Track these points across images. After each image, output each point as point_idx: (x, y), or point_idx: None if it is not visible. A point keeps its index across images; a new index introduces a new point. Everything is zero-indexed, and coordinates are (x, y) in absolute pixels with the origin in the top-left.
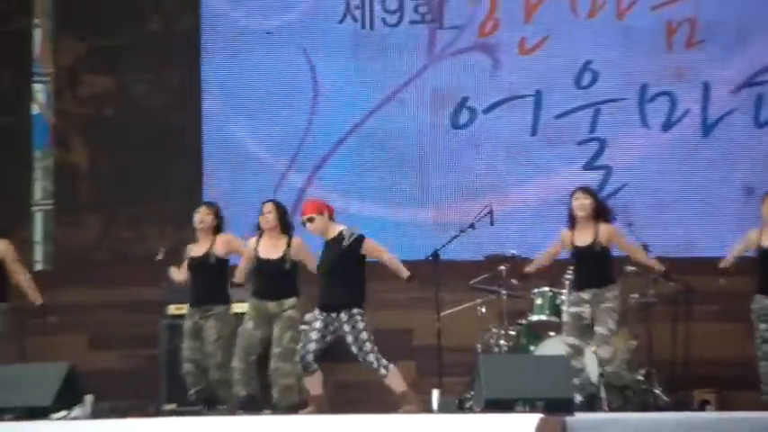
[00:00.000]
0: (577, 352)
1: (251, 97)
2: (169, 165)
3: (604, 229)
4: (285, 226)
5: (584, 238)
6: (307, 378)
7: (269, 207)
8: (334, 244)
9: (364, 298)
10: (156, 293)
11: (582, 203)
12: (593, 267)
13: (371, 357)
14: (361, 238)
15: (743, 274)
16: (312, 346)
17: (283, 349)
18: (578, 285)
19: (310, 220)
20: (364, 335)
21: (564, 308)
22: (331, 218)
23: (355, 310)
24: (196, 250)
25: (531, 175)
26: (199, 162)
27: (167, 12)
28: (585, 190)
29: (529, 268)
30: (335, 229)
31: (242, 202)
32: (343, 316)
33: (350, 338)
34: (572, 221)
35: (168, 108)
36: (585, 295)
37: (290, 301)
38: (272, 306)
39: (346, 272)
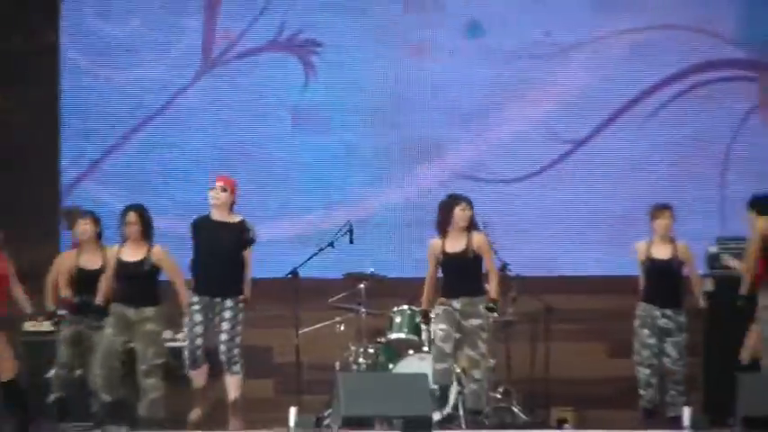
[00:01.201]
0: (447, 337)
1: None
2: (29, 182)
3: (477, 238)
4: (148, 234)
5: (456, 245)
6: (193, 372)
7: (132, 216)
8: (229, 229)
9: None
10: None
11: (466, 215)
12: (465, 275)
13: (236, 351)
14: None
15: (602, 292)
16: (199, 342)
17: (149, 366)
18: (449, 294)
19: (224, 189)
20: (239, 328)
21: (423, 326)
22: (233, 203)
23: (241, 297)
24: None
25: (390, 194)
26: (56, 179)
27: (28, 28)
28: (469, 201)
29: (427, 307)
30: (234, 216)
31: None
32: (229, 302)
33: (226, 326)
34: (444, 230)
35: (27, 125)
36: (456, 304)
37: (150, 310)
38: (131, 313)
39: (239, 261)
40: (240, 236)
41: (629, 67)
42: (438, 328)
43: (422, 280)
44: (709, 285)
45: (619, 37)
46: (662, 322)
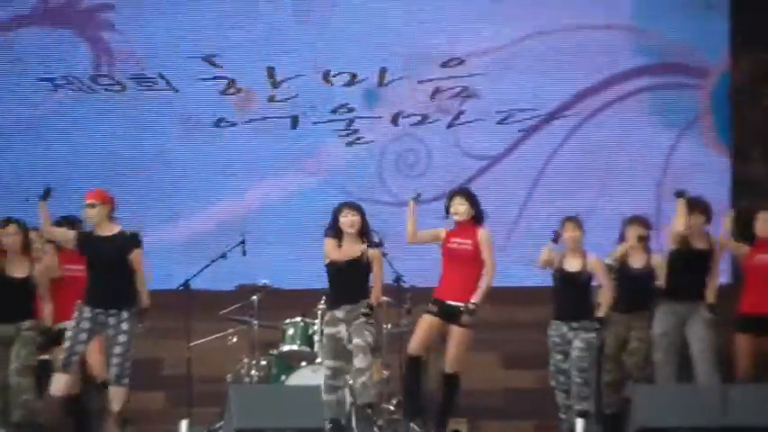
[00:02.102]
0: (337, 374)
1: None
2: None
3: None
4: (27, 246)
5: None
6: (60, 375)
7: (12, 228)
8: (110, 241)
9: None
10: None
11: (349, 220)
12: (350, 281)
13: (128, 364)
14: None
15: (496, 303)
16: (80, 348)
17: (21, 365)
18: (333, 304)
19: (91, 206)
20: (132, 341)
21: (316, 338)
22: (111, 213)
23: (134, 310)
24: None
25: (286, 202)
26: None
27: None
28: (354, 206)
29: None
30: (114, 227)
31: None
32: (124, 314)
33: (123, 338)
34: (339, 235)
35: None
36: (339, 313)
37: (27, 323)
38: (9, 330)
39: (126, 271)
40: (123, 246)
41: (555, 74)
42: (325, 365)
43: (315, 292)
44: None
45: (547, 38)
46: (569, 335)
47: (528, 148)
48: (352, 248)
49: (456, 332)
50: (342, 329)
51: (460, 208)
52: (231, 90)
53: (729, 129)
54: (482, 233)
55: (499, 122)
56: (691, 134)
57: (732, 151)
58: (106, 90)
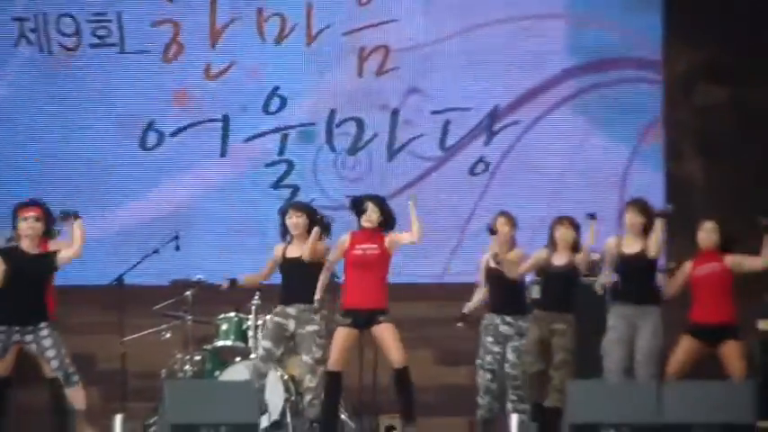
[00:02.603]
0: (268, 357)
1: None
2: None
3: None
4: None
5: (297, 251)
6: None
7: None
8: (40, 260)
9: None
10: None
11: (293, 222)
12: (301, 281)
13: (71, 369)
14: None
15: (428, 299)
16: None
17: None
18: (284, 301)
19: (37, 219)
20: (63, 347)
21: (250, 333)
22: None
23: (50, 322)
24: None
25: (218, 198)
26: None
27: None
28: (299, 207)
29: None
30: (44, 245)
31: None
32: (45, 331)
33: (52, 353)
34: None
35: None
36: (291, 310)
37: None
38: None
39: (46, 289)
40: (47, 266)
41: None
42: (261, 345)
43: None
44: (534, 293)
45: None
46: (503, 329)
47: (468, 150)
48: (298, 249)
49: (385, 330)
50: (291, 324)
51: (374, 216)
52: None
53: (662, 127)
54: (389, 237)
55: (439, 122)
56: (626, 133)
57: (665, 150)
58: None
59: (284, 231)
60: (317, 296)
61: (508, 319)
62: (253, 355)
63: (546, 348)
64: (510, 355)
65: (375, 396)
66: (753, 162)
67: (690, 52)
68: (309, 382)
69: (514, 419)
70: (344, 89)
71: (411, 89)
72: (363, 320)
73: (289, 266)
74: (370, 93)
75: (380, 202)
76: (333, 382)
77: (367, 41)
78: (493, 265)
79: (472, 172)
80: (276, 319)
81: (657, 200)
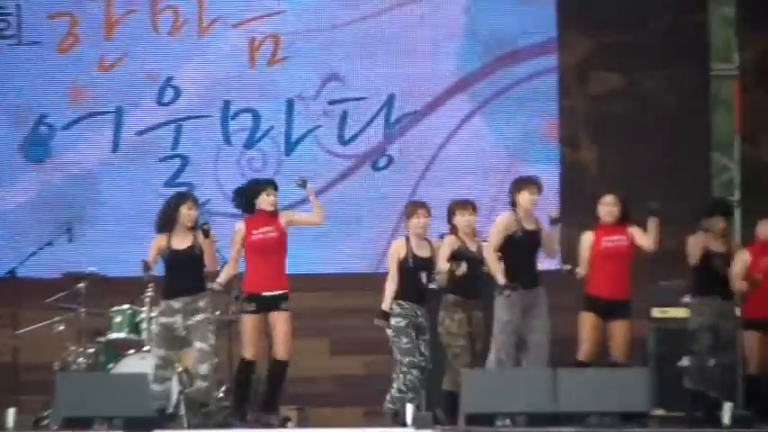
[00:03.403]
0: (167, 364)
1: None
2: None
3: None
4: None
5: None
6: None
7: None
8: None
9: None
10: None
11: (190, 214)
12: (187, 272)
13: None
14: None
15: (323, 290)
16: None
17: None
18: (169, 294)
19: None
20: None
21: (144, 325)
22: None
23: None
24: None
25: (112, 193)
26: None
27: None
28: (196, 200)
29: None
30: None
31: None
32: None
33: None
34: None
35: None
36: (176, 304)
37: None
38: None
39: None
40: None
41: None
42: (156, 354)
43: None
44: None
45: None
46: (417, 321)
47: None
48: (184, 240)
49: (281, 320)
50: (178, 320)
51: (273, 199)
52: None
53: (557, 115)
54: (284, 217)
55: (336, 113)
56: (522, 120)
57: (561, 137)
58: None
59: (169, 221)
60: (221, 280)
61: (419, 311)
62: (146, 348)
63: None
64: (424, 350)
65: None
66: (647, 149)
67: (584, 40)
68: (203, 370)
69: (409, 409)
70: (237, 80)
71: (305, 79)
72: (266, 305)
73: (174, 258)
74: (263, 83)
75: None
76: (249, 371)
77: (257, 32)
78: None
79: (375, 167)
80: (162, 320)
81: (553, 187)
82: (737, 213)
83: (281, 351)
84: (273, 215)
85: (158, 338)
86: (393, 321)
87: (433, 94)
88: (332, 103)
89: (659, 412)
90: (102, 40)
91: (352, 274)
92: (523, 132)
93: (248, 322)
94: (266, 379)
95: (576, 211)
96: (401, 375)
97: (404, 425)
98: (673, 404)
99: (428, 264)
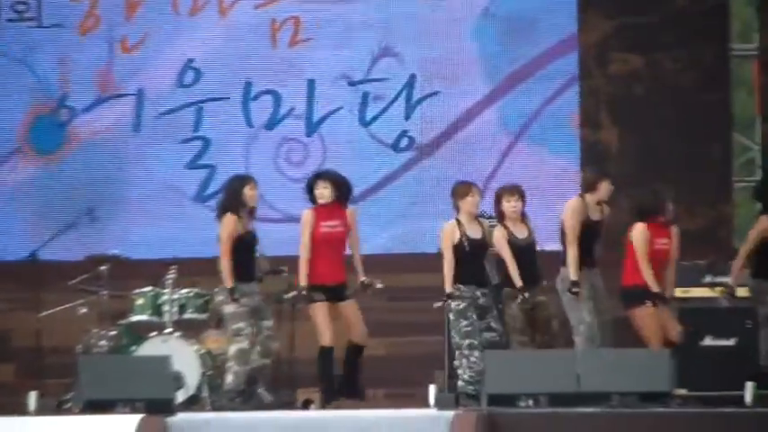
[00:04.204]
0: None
1: None
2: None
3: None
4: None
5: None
6: None
7: None
8: None
9: None
10: None
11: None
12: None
13: None
14: None
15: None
16: None
17: None
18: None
19: None
20: None
21: (166, 308)
22: None
23: None
24: None
25: (134, 175)
26: None
27: None
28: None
29: None
30: None
31: None
32: None
33: None
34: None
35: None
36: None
37: None
38: None
39: None
40: None
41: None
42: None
43: (164, 263)
44: None
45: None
46: (479, 303)
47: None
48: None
49: (351, 307)
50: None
51: (325, 192)
52: None
53: (578, 96)
54: (350, 212)
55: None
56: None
57: (581, 119)
58: None
59: (238, 203)
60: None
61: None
62: (167, 330)
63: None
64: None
65: (292, 369)
66: (668, 129)
67: (604, 20)
68: (275, 347)
69: (432, 390)
70: (259, 61)
71: (326, 61)
72: (336, 295)
73: (244, 241)
74: (284, 64)
75: (331, 178)
76: (330, 357)
77: (278, 13)
78: None
79: (396, 148)
80: (245, 301)
81: (572, 169)
82: None
83: (361, 335)
84: (338, 207)
85: (243, 314)
86: (452, 305)
87: (453, 74)
88: (352, 84)
89: (681, 392)
90: (123, 22)
91: (373, 255)
92: (543, 113)
93: (320, 309)
94: (347, 363)
95: None
96: (464, 360)
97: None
98: (695, 384)
99: (483, 245)
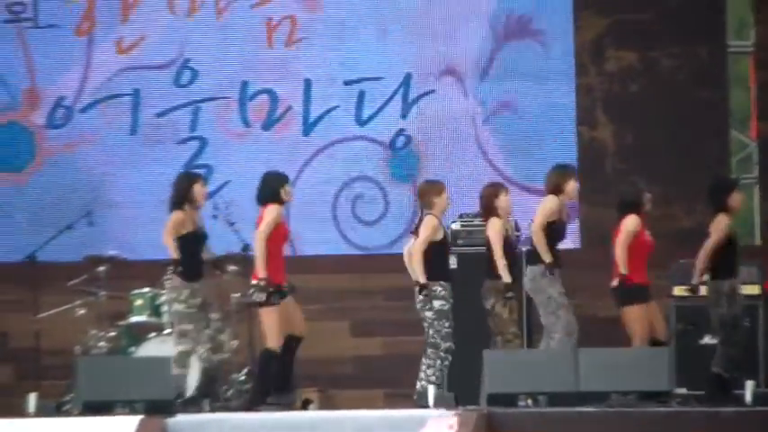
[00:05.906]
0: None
1: None
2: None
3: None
4: None
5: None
6: None
7: None
8: None
9: None
10: None
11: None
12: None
13: None
14: None
15: (344, 271)
16: None
17: None
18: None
19: None
20: None
21: (164, 308)
22: None
23: None
24: None
25: (131, 176)
26: None
27: None
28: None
29: None
30: None
31: None
32: None
33: None
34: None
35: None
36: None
37: None
38: None
39: None
40: None
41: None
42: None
43: (162, 264)
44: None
45: None
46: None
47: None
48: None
49: (291, 302)
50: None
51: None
52: None
53: (574, 94)
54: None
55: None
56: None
57: (577, 116)
58: None
59: (185, 201)
60: None
61: None
62: (166, 331)
63: None
64: None
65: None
66: (664, 126)
67: (600, 17)
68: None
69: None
70: (255, 61)
71: (322, 59)
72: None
73: (194, 239)
74: (280, 64)
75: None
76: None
77: (274, 13)
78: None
79: (392, 146)
80: (193, 301)
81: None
82: (756, 190)
83: (301, 328)
84: None
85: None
86: (437, 304)
87: (449, 73)
88: (348, 83)
89: (681, 391)
90: (119, 23)
91: (372, 254)
92: (539, 111)
93: (278, 313)
94: (287, 358)
95: (595, 190)
96: (438, 361)
97: (425, 406)
98: (694, 383)
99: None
